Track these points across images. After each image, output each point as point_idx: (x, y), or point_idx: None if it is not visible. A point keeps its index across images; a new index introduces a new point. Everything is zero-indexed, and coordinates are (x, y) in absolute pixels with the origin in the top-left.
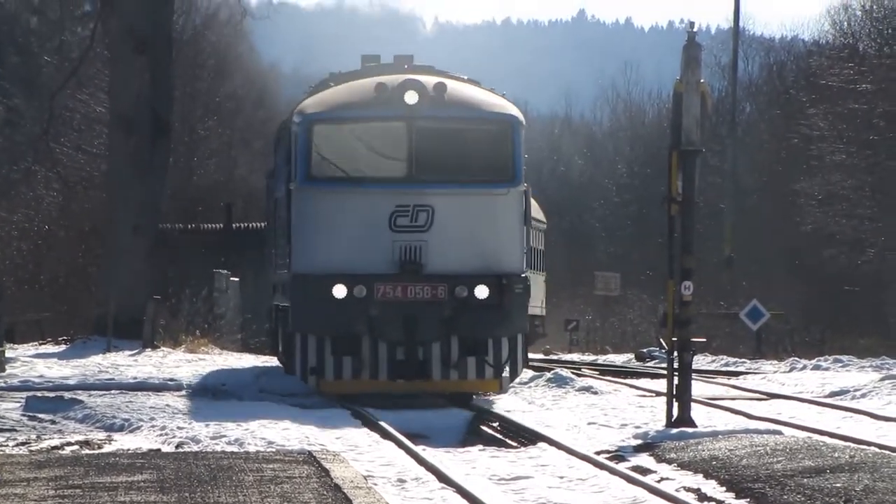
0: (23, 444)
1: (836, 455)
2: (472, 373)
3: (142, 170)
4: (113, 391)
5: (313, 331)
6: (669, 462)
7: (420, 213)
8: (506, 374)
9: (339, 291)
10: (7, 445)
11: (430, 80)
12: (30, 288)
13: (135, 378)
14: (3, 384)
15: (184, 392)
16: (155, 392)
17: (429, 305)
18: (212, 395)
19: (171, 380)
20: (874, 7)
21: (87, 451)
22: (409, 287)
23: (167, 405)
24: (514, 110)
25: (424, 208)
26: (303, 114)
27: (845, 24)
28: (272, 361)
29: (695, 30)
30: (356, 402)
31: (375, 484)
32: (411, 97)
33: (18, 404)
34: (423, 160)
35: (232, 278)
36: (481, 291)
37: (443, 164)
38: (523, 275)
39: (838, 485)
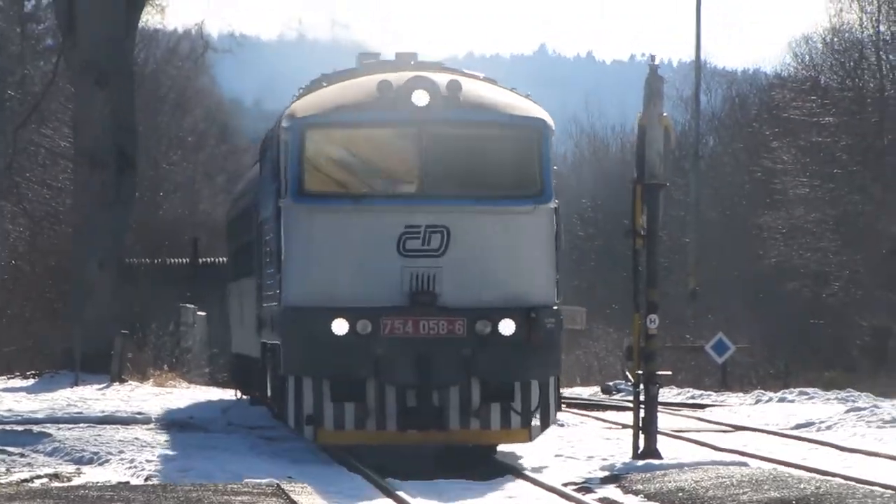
0: None
1: (802, 486)
2: (497, 422)
3: (107, 204)
4: (81, 425)
5: (309, 373)
6: (636, 493)
7: (433, 234)
8: (535, 422)
9: (340, 327)
10: None
11: (442, 78)
12: None
13: (103, 411)
14: None
15: (152, 425)
16: (123, 425)
17: (445, 343)
18: (179, 427)
19: (140, 413)
20: (835, 40)
21: (57, 484)
22: (421, 322)
23: (136, 438)
24: (541, 113)
25: (438, 229)
26: (293, 118)
27: (807, 56)
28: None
29: (656, 63)
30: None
31: None
32: (421, 98)
33: None
34: (436, 172)
35: (198, 312)
36: (506, 327)
37: (459, 177)
38: (555, 307)
39: None
